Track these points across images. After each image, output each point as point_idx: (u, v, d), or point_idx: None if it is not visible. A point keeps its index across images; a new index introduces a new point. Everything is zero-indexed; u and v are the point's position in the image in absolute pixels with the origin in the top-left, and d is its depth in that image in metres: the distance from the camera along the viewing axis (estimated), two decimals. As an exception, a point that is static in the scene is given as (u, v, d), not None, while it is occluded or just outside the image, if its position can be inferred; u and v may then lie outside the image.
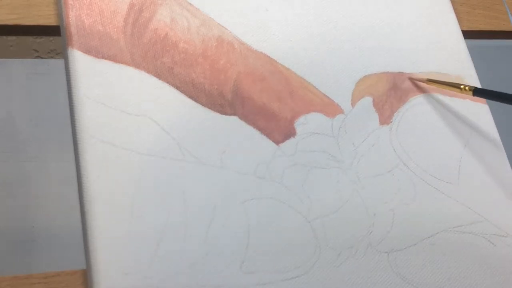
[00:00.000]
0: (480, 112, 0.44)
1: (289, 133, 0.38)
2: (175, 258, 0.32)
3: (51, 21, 0.38)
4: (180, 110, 0.36)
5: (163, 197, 0.33)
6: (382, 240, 0.37)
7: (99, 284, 0.30)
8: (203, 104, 0.36)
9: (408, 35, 0.45)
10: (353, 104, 0.40)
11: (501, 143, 0.44)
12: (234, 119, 0.37)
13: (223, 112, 0.37)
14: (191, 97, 0.36)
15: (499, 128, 0.44)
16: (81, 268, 0.33)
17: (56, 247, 0.82)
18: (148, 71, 0.36)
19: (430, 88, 0.43)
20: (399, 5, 0.46)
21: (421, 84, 0.43)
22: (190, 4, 0.39)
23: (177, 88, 0.36)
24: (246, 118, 0.37)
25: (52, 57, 0.96)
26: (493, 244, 0.39)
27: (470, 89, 0.41)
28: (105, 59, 0.35)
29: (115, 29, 0.36)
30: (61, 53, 0.46)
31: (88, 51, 0.35)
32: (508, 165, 0.43)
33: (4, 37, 0.93)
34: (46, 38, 0.95)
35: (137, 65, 0.36)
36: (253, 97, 0.38)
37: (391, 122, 0.41)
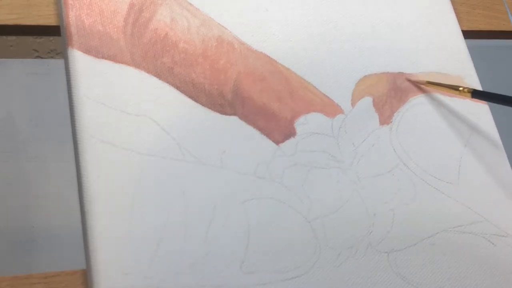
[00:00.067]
0: (480, 112, 0.44)
1: (289, 133, 0.38)
2: (175, 258, 0.32)
3: (51, 21, 0.38)
4: (180, 110, 0.36)
5: (163, 197, 0.33)
6: (382, 240, 0.37)
7: (99, 284, 0.30)
8: (203, 104, 0.36)
9: (408, 35, 0.45)
10: (353, 104, 0.40)
11: (501, 143, 0.44)
12: (234, 119, 0.37)
13: (223, 112, 0.37)
14: (191, 97, 0.36)
15: (499, 128, 0.44)
16: (81, 268, 0.33)
17: (56, 247, 0.82)
18: (148, 71, 0.36)
19: (430, 89, 0.43)
20: (399, 5, 0.46)
21: (420, 86, 0.43)
22: (190, 4, 0.39)
23: (177, 88, 0.36)
24: (246, 118, 0.37)
25: (52, 57, 0.96)
26: (493, 244, 0.39)
27: (469, 91, 0.41)
28: (105, 59, 0.35)
29: (115, 29, 0.36)
30: (61, 53, 0.46)
31: (88, 51, 0.35)
32: (508, 165, 0.43)
33: (4, 37, 0.93)
34: (46, 38, 0.95)
35: (137, 65, 0.36)
36: (253, 97, 0.38)
37: (391, 122, 0.41)
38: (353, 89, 0.41)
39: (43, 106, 0.90)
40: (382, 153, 0.40)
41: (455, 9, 0.47)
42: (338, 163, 0.38)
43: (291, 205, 0.36)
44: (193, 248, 0.32)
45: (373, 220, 0.37)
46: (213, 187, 0.34)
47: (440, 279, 0.37)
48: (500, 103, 0.39)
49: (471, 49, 0.46)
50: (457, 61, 0.45)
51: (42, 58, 0.96)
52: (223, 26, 0.39)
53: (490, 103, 0.44)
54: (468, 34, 0.48)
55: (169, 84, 0.36)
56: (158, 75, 0.36)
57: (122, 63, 0.35)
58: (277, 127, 0.38)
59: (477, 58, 0.47)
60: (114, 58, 0.35)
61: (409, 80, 0.43)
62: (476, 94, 0.41)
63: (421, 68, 0.44)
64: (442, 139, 0.42)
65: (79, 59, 0.35)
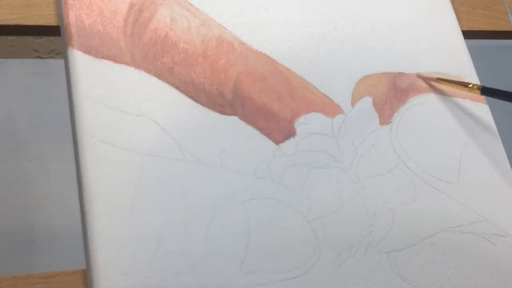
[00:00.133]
0: (480, 112, 0.44)
1: (289, 133, 0.38)
2: (175, 258, 0.32)
3: (51, 21, 0.38)
4: (180, 110, 0.36)
5: (163, 197, 0.33)
6: (382, 240, 0.37)
7: (99, 284, 0.30)
8: (203, 104, 0.36)
9: (408, 35, 0.45)
10: (353, 104, 0.40)
11: (501, 143, 0.44)
12: (234, 119, 0.37)
13: (223, 112, 0.37)
14: (191, 97, 0.36)
15: (499, 128, 0.44)
16: (81, 268, 0.33)
17: (56, 247, 0.82)
18: (148, 71, 0.36)
19: (430, 88, 0.43)
20: (399, 5, 0.46)
21: (425, 83, 0.43)
22: (190, 4, 0.39)
23: (177, 88, 0.36)
24: (246, 118, 0.37)
25: (52, 57, 0.96)
26: (493, 244, 0.39)
27: (478, 88, 0.41)
28: (105, 59, 0.35)
29: (115, 29, 0.36)
30: (61, 53, 0.46)
31: (88, 51, 0.35)
32: (508, 165, 0.43)
33: (4, 37, 0.93)
34: (46, 38, 0.95)
35: (137, 65, 0.36)
36: (253, 97, 0.38)
37: (391, 122, 0.41)
38: (353, 89, 0.41)
39: (43, 106, 0.90)
40: (382, 153, 0.40)
41: (455, 9, 0.48)
42: (338, 163, 0.38)
43: (291, 205, 0.36)
44: (193, 248, 0.32)
45: (373, 220, 0.37)
46: (213, 187, 0.34)
47: (440, 279, 0.37)
48: (510, 100, 0.39)
49: (471, 49, 0.46)
50: (457, 61, 0.45)
51: (42, 58, 0.96)
52: (223, 26, 0.39)
53: (490, 102, 0.44)
54: (468, 34, 0.48)
55: (169, 84, 0.36)
56: (158, 75, 0.36)
57: (122, 63, 0.35)
58: (277, 127, 0.38)
59: (477, 58, 0.47)
60: (114, 58, 0.35)
61: (420, 77, 0.43)
62: (485, 91, 0.41)
63: (421, 68, 0.44)
64: (442, 139, 0.42)
65: (79, 59, 0.35)
